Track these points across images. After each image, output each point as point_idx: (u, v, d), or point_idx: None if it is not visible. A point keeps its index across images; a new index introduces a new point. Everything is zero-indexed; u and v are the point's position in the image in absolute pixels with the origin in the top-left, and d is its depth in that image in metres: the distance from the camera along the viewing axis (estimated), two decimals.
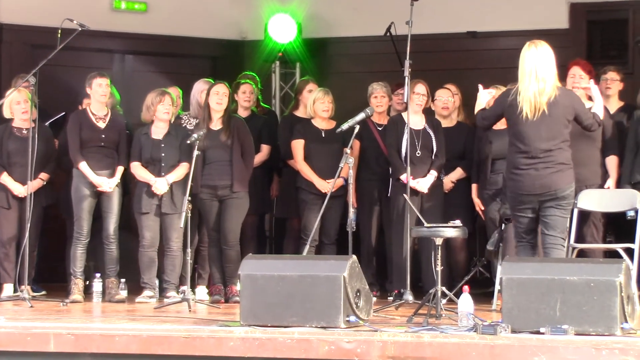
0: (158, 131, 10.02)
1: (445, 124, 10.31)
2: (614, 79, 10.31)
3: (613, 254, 9.14)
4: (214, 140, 9.90)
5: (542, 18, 12.33)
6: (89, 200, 9.97)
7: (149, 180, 9.87)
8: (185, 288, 9.49)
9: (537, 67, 8.15)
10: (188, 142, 9.60)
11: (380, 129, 10.39)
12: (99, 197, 9.99)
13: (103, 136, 10.02)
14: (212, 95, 9.96)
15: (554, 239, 8.20)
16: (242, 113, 10.63)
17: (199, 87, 10.50)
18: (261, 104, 11.22)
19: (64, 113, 10.73)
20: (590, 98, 8.95)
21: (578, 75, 9.78)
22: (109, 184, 9.93)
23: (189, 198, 9.34)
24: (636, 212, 9.32)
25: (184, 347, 6.92)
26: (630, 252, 9.13)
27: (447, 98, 10.43)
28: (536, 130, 8.15)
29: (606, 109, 9.90)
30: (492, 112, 8.59)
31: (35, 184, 10.02)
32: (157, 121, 10.01)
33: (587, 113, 8.42)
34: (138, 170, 9.96)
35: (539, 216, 8.30)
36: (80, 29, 9.86)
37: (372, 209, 10.38)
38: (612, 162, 9.75)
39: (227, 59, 12.86)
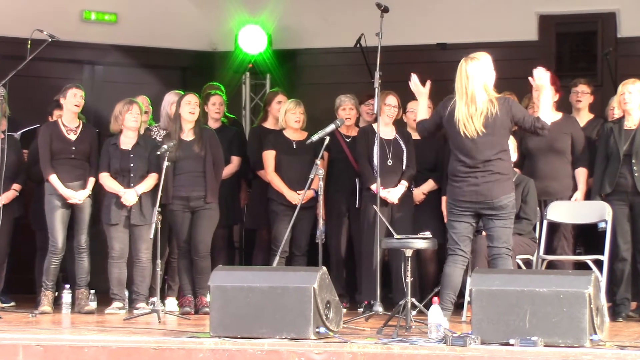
0: (127, 141, 10.00)
1: (416, 135, 10.29)
2: (584, 92, 10.37)
3: (583, 266, 9.18)
4: (187, 151, 9.88)
5: (511, 30, 12.40)
6: (61, 211, 9.95)
7: (117, 192, 9.86)
8: (155, 299, 9.45)
9: (466, 85, 8.18)
10: (158, 153, 9.59)
11: (348, 140, 10.41)
12: (71, 208, 9.97)
13: (74, 148, 10.00)
14: (184, 105, 9.95)
15: (498, 249, 8.24)
16: (212, 124, 10.60)
17: (169, 99, 10.49)
18: (226, 113, 11.20)
19: (38, 125, 10.66)
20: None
21: None
22: (78, 196, 9.91)
23: (159, 209, 9.32)
24: (606, 223, 9.39)
25: (154, 359, 6.91)
26: (599, 264, 9.18)
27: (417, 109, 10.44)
28: (474, 144, 8.19)
29: (575, 120, 9.99)
30: (432, 122, 8.63)
31: (9, 194, 10.00)
32: (126, 130, 10.00)
33: (527, 117, 8.41)
34: (107, 181, 9.94)
35: (474, 227, 8.32)
36: (50, 39, 9.87)
37: (340, 221, 10.39)
38: (581, 174, 9.81)
39: (197, 69, 12.86)
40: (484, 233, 8.90)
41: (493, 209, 8.24)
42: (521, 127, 8.42)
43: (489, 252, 8.35)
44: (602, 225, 9.39)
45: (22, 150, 10.53)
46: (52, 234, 9.94)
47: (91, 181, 10.00)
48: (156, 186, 9.66)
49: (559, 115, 9.90)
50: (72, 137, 10.03)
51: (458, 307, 9.17)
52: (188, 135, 9.97)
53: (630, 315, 9.51)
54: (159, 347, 6.97)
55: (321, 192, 9.04)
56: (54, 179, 9.89)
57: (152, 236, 9.28)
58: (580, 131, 9.90)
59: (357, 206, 10.16)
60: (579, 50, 12.46)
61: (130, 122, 9.95)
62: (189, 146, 9.92)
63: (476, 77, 8.19)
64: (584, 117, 10.33)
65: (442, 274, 8.52)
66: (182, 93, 10.26)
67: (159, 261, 9.42)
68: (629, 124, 9.51)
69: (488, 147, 8.21)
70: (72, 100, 10.00)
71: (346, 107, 10.54)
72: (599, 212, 9.46)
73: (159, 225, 9.25)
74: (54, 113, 10.44)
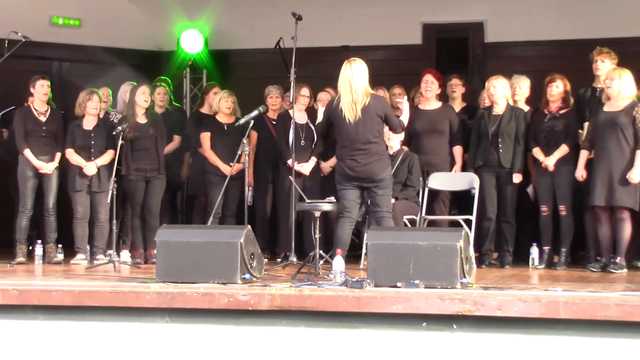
0: (89, 123, 9.93)
1: None
2: (457, 84, 10.47)
3: (456, 224, 9.27)
4: (142, 132, 9.86)
5: (400, 35, 12.45)
6: (32, 180, 9.83)
7: (80, 164, 9.78)
8: (112, 252, 9.38)
9: (350, 81, 8.13)
10: (114, 133, 9.51)
11: (274, 123, 10.38)
12: (41, 177, 9.84)
13: (44, 128, 9.88)
14: (139, 95, 9.92)
15: (381, 213, 8.22)
16: (158, 110, 10.56)
17: (124, 89, 10.45)
18: (173, 102, 11.14)
19: (13, 107, 10.50)
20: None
21: (430, 81, 9.91)
22: (48, 167, 9.82)
23: (115, 179, 9.26)
24: (475, 190, 9.48)
25: (110, 300, 6.83)
26: (469, 223, 9.28)
27: (327, 99, 10.43)
28: (355, 129, 8.16)
29: (452, 108, 10.07)
30: (324, 122, 8.54)
31: None
32: (87, 115, 9.92)
33: (393, 118, 8.37)
34: (71, 155, 9.86)
35: (361, 195, 8.35)
36: (24, 40, 9.76)
37: (266, 188, 10.36)
38: (457, 151, 9.91)
39: (146, 66, 12.68)
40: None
41: (374, 182, 8.21)
42: (386, 122, 8.35)
43: (375, 215, 8.34)
44: (473, 191, 9.49)
45: (2, 129, 10.48)
46: (23, 197, 9.83)
47: (58, 155, 9.89)
48: (112, 160, 9.59)
49: (439, 104, 9.98)
50: (42, 119, 9.91)
51: (357, 257, 9.21)
52: (142, 119, 9.93)
53: (492, 263, 9.61)
54: (114, 291, 6.90)
55: (248, 165, 9.02)
56: (27, 153, 9.78)
57: (109, 201, 9.24)
58: (455, 116, 9.98)
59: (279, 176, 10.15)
60: (454, 53, 12.53)
61: (91, 109, 9.89)
62: (143, 128, 9.88)
63: (358, 74, 8.16)
64: (458, 105, 10.42)
65: (334, 236, 8.49)
66: (135, 84, 10.18)
67: (114, 221, 9.38)
68: (497, 110, 9.60)
69: (366, 130, 8.18)
70: (41, 90, 9.91)
71: (273, 96, 10.52)
72: (470, 181, 9.56)
73: (115, 192, 9.20)
74: (29, 100, 10.28)
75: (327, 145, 10.04)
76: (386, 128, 8.45)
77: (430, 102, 9.89)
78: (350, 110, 8.14)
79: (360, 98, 8.13)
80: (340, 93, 8.19)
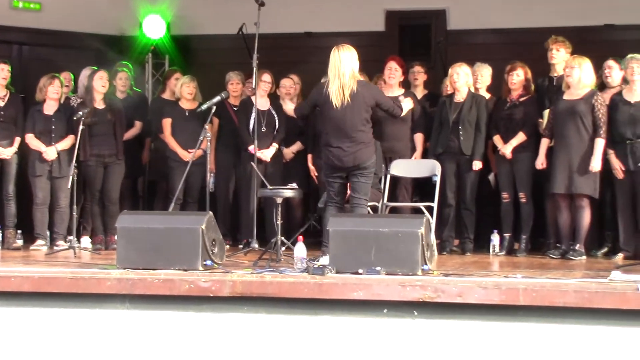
0: (49, 108, 9.83)
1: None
2: (419, 71, 10.48)
3: (418, 211, 9.29)
4: (100, 117, 9.76)
5: (363, 22, 12.42)
6: None
7: (40, 149, 9.69)
8: (72, 238, 9.30)
9: (339, 67, 8.06)
10: (75, 118, 9.42)
11: (235, 109, 10.33)
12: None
13: (2, 112, 9.79)
14: (97, 80, 9.84)
15: (358, 200, 8.23)
16: (120, 95, 10.50)
17: (85, 74, 10.34)
18: (134, 88, 11.05)
19: None
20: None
21: (393, 68, 9.90)
22: (6, 152, 9.74)
23: (75, 164, 9.17)
24: (437, 177, 9.50)
25: (70, 286, 6.78)
26: (430, 209, 9.29)
27: (290, 85, 10.43)
28: (342, 116, 8.11)
29: (415, 96, 10.06)
30: (309, 104, 8.50)
31: None
32: (48, 100, 9.82)
33: (386, 100, 8.41)
34: (32, 140, 9.76)
35: (347, 183, 8.35)
36: None
37: (227, 174, 10.32)
38: (418, 138, 9.91)
39: (108, 51, 12.59)
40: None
41: (359, 169, 8.21)
42: (380, 107, 8.35)
43: (351, 201, 8.36)
44: (435, 178, 9.51)
45: None
46: None
47: (17, 140, 9.80)
48: (73, 145, 9.48)
49: (401, 91, 9.97)
50: (1, 103, 9.83)
51: (319, 244, 9.20)
52: (100, 104, 9.85)
53: (454, 250, 9.66)
54: (74, 277, 6.85)
55: (209, 151, 8.98)
56: None
57: (69, 186, 9.14)
58: (417, 103, 9.98)
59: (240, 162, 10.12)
60: (417, 40, 12.53)
61: (52, 93, 9.80)
62: (101, 113, 9.80)
63: (346, 60, 8.09)
64: (420, 92, 10.42)
65: (323, 223, 8.47)
66: (96, 69, 10.09)
67: (75, 207, 9.25)
68: (458, 97, 9.63)
69: (354, 117, 8.14)
70: (0, 74, 9.80)
71: (234, 82, 10.48)
72: (431, 168, 9.57)
73: (75, 178, 9.10)
74: None
75: (289, 131, 10.04)
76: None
77: (393, 89, 9.88)
78: (338, 95, 8.09)
79: (348, 83, 8.08)
80: (329, 79, 8.15)
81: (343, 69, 8.05)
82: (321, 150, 8.47)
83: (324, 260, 7.49)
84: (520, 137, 9.38)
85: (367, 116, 8.22)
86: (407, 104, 8.97)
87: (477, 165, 9.49)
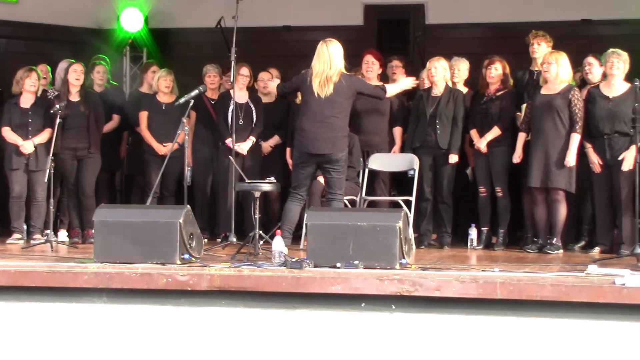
0: (26, 101, 9.77)
1: (265, 99, 10.28)
2: (398, 66, 10.47)
3: (396, 205, 9.29)
4: (74, 110, 9.70)
5: (342, 16, 12.41)
6: None
7: (17, 142, 9.63)
8: (49, 231, 9.25)
9: (327, 61, 8.33)
10: (52, 111, 9.36)
11: (213, 102, 10.29)
12: None
13: None
14: (71, 73, 9.81)
15: (334, 195, 8.33)
16: (97, 89, 10.44)
17: (62, 66, 10.29)
18: (111, 81, 10.99)
19: None
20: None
21: (371, 62, 9.91)
22: None
23: (52, 158, 9.13)
24: (414, 171, 9.51)
25: (47, 280, 6.75)
26: (408, 203, 9.30)
27: (267, 79, 10.41)
28: (323, 105, 8.33)
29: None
30: (291, 86, 8.81)
31: None
32: (25, 93, 9.77)
33: (368, 87, 8.64)
34: (8, 134, 9.70)
35: (314, 176, 8.42)
36: None
37: (205, 168, 10.28)
38: (397, 132, 9.93)
39: (86, 44, 12.50)
40: (319, 178, 8.94)
41: (329, 163, 8.26)
42: (365, 94, 8.66)
43: (327, 196, 8.40)
44: (411, 172, 9.52)
45: None
46: None
47: None
48: (50, 139, 9.41)
49: (380, 84, 9.95)
50: None
51: (297, 238, 9.19)
52: (75, 97, 9.81)
53: (431, 243, 9.66)
54: (50, 271, 6.82)
55: (187, 144, 8.95)
56: None
57: (46, 180, 9.09)
58: (396, 97, 9.97)
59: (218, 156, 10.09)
60: (395, 34, 12.53)
61: (29, 86, 9.75)
62: (75, 106, 9.75)
63: (336, 55, 8.40)
64: None
65: (283, 210, 8.53)
66: (73, 62, 10.04)
67: (52, 200, 9.21)
68: (436, 91, 9.63)
69: (333, 107, 8.33)
70: None
71: (211, 75, 10.43)
72: (409, 162, 9.58)
73: (52, 171, 9.07)
74: None
75: (268, 124, 10.03)
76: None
77: (371, 82, 9.87)
78: (322, 88, 8.34)
79: (334, 78, 8.34)
80: (314, 70, 8.31)
81: (332, 63, 8.29)
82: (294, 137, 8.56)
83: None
84: (495, 132, 9.40)
85: (346, 106, 8.33)
86: (406, 82, 9.02)
87: (453, 158, 9.50)
